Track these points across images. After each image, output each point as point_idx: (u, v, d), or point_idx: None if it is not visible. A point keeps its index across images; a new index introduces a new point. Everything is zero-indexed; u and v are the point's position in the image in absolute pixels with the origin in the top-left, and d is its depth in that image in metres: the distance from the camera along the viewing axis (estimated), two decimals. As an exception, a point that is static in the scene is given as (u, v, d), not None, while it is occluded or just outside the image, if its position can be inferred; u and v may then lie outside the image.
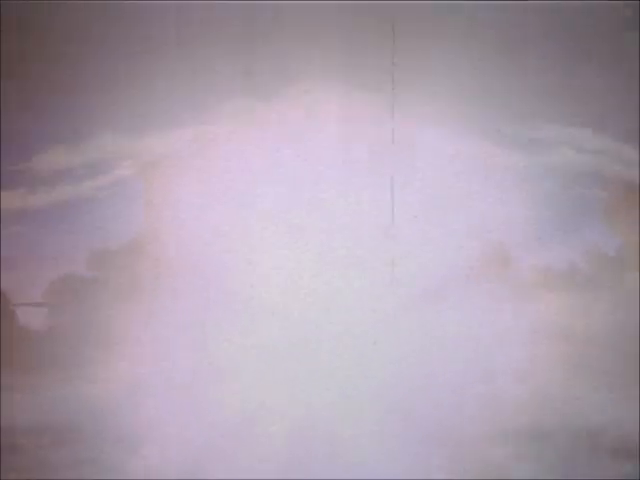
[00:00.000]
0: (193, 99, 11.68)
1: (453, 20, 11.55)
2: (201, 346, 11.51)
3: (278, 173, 11.87)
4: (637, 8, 11.32)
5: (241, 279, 11.50)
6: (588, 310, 11.94)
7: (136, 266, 12.15)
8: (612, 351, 11.51)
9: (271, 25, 11.50)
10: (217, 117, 11.96)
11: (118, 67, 11.60)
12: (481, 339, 11.26)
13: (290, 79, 11.76)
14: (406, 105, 11.81)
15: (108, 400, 10.58)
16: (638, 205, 12.04)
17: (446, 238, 11.66)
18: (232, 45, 11.56)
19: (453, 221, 11.75)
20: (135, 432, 10.39)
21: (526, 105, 11.90)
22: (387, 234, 11.61)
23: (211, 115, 11.96)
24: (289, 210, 11.62)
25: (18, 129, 11.81)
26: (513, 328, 11.41)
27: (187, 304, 11.50)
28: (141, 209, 12.12)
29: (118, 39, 11.52)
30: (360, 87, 11.81)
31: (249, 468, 10.32)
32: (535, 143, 12.24)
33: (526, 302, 11.79)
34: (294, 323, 11.53)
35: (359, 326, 11.50)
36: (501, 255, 12.05)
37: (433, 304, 11.54)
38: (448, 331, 11.37)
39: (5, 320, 11.84)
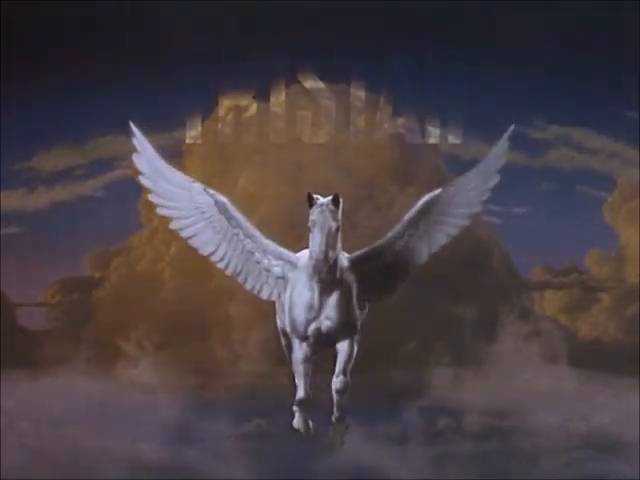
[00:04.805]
0: (193, 100, 11.70)
1: (451, 21, 11.58)
2: (201, 345, 11.53)
3: (279, 172, 11.90)
4: (637, 8, 11.35)
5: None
6: (589, 309, 11.94)
7: (135, 266, 12.18)
8: (612, 350, 11.51)
9: (271, 25, 11.53)
10: (217, 117, 12.00)
11: (118, 69, 11.63)
12: (479, 337, 11.26)
13: (289, 78, 11.80)
14: (405, 106, 11.85)
15: (108, 398, 10.57)
16: (638, 205, 12.05)
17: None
18: (232, 45, 11.59)
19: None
20: (135, 429, 10.39)
21: (526, 105, 11.93)
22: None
23: (211, 115, 12.01)
24: (291, 208, 11.65)
25: (18, 129, 11.85)
26: (513, 327, 11.41)
27: (187, 303, 11.51)
28: (141, 209, 12.15)
29: (119, 41, 11.56)
30: (360, 87, 11.86)
31: (249, 465, 10.30)
32: (535, 143, 12.27)
33: (526, 301, 11.80)
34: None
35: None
36: (501, 254, 12.07)
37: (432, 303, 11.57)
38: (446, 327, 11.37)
39: (5, 320, 11.85)
